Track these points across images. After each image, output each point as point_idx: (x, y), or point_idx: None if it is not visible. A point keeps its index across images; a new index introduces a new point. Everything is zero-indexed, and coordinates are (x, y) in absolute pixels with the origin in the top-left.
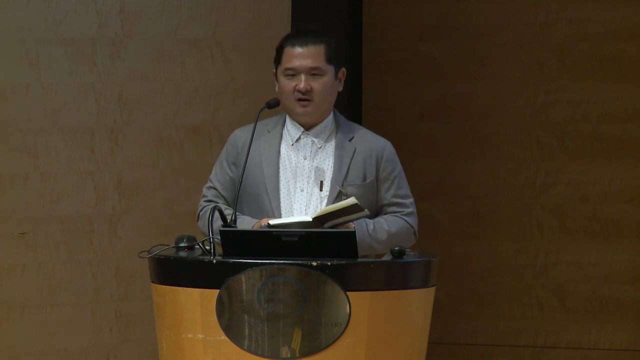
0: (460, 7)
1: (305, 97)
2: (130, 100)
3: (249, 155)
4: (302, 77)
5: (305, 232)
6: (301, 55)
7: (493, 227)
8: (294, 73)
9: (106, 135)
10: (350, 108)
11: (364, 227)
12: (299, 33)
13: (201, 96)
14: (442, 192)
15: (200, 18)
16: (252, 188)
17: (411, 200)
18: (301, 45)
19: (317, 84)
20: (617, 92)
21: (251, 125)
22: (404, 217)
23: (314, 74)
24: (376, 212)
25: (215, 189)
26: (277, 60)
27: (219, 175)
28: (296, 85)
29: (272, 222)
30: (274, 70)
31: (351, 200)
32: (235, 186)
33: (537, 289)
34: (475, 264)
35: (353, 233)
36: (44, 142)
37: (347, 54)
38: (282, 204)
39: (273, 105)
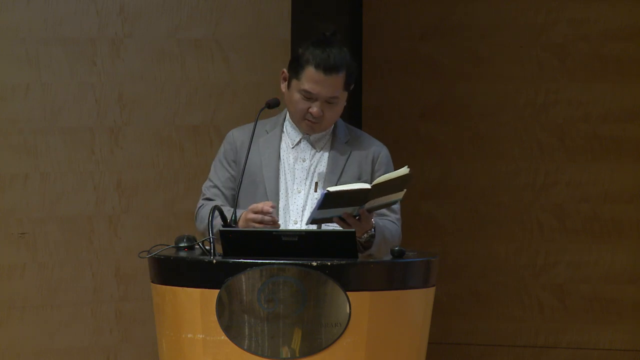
0: (460, 7)
1: (315, 121)
2: (130, 100)
3: (248, 155)
4: (318, 103)
5: (305, 232)
6: (324, 83)
7: (493, 227)
8: (310, 97)
9: (106, 135)
10: (350, 108)
11: (380, 237)
12: (329, 56)
13: (201, 96)
14: (442, 192)
15: (200, 18)
16: (251, 188)
17: (399, 205)
18: (326, 72)
19: (330, 112)
20: (617, 92)
21: (248, 126)
22: (395, 222)
23: (330, 102)
24: None
25: (216, 187)
26: (295, 71)
27: (219, 173)
28: (309, 108)
29: (332, 189)
30: (286, 71)
31: (404, 170)
32: (236, 184)
33: (537, 289)
34: (475, 264)
35: (353, 233)
36: (44, 142)
37: None
38: (280, 205)
39: (273, 105)
